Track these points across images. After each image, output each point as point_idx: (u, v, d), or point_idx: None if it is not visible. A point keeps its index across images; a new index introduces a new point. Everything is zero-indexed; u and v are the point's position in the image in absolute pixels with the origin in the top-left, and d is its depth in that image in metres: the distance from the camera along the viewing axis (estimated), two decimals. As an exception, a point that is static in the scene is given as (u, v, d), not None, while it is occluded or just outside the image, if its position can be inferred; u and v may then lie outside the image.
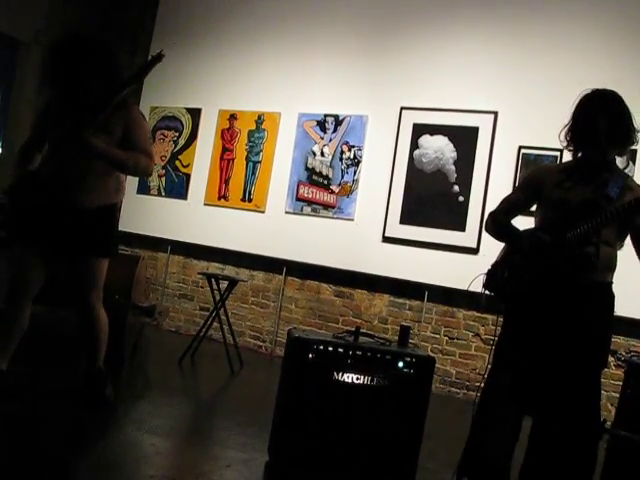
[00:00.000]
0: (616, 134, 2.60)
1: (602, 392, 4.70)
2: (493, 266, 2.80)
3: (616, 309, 4.90)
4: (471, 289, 2.86)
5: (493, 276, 2.77)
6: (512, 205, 2.91)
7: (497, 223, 2.89)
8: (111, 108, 3.12)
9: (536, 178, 2.87)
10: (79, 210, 3.21)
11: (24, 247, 3.25)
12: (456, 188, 5.24)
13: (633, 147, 2.72)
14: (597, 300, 2.65)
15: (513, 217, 2.89)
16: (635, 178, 4.54)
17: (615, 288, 4.84)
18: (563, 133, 2.73)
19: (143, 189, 6.63)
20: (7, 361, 3.22)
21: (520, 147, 5.04)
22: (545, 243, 2.60)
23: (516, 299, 2.72)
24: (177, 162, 6.52)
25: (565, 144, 2.75)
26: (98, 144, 3.11)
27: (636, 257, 4.90)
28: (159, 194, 6.59)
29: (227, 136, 6.34)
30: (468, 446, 2.77)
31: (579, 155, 2.72)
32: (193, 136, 6.51)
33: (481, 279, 2.79)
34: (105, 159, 3.17)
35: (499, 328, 2.81)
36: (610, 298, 2.69)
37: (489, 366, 2.80)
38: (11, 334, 3.21)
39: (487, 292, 2.79)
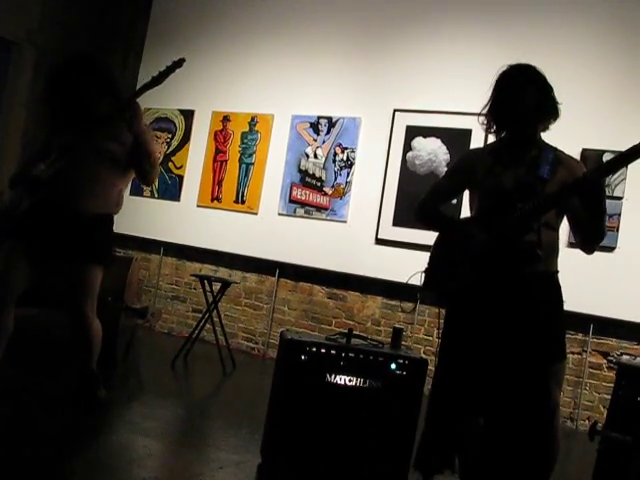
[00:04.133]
0: (544, 106, 2.53)
1: (594, 394, 4.77)
2: (430, 263, 2.71)
3: (608, 312, 4.92)
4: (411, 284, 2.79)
5: (432, 275, 2.68)
6: (441, 193, 2.81)
7: (426, 213, 2.80)
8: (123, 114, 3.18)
9: (465, 165, 2.74)
10: (78, 216, 3.20)
11: (11, 248, 3.22)
12: (449, 190, 5.24)
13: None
14: (542, 290, 2.53)
15: (442, 204, 2.80)
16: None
17: (609, 291, 4.85)
18: (482, 115, 2.63)
19: (136, 190, 6.61)
20: None
21: (513, 150, 5.05)
22: (480, 240, 2.51)
23: (458, 296, 2.62)
24: (170, 164, 6.52)
25: (486, 126, 2.64)
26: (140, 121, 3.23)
27: (628, 261, 4.92)
28: (152, 195, 6.58)
29: (220, 138, 6.33)
30: (421, 444, 2.76)
31: (503, 135, 2.63)
32: (186, 138, 6.51)
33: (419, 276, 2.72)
34: (144, 136, 3.22)
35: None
36: (556, 287, 2.58)
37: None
38: None
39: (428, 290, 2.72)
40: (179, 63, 3.16)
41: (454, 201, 5.10)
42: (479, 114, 2.68)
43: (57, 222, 3.17)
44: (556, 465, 2.56)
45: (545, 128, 2.62)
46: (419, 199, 2.83)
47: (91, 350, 3.33)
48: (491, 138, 2.79)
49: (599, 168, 2.38)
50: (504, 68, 2.62)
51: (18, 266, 3.18)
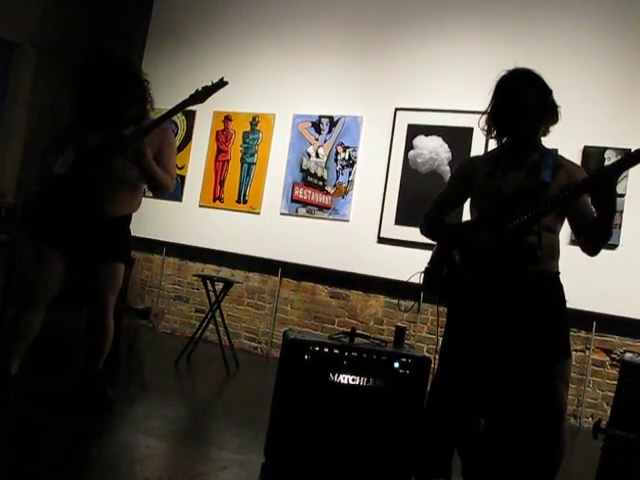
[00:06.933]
0: (544, 109, 2.53)
1: (597, 392, 4.76)
2: (430, 264, 2.72)
3: (610, 309, 4.91)
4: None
5: (432, 275, 2.68)
6: (444, 203, 2.82)
7: (431, 224, 2.82)
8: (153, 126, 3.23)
9: (466, 171, 2.76)
10: (107, 219, 3.28)
11: (45, 251, 3.24)
12: (451, 189, 5.24)
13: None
14: (544, 289, 2.54)
15: (447, 215, 2.82)
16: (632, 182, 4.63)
17: (611, 289, 4.83)
18: (483, 120, 2.63)
19: (138, 191, 6.62)
20: (18, 365, 3.23)
21: (514, 147, 5.05)
22: (481, 241, 2.52)
23: (458, 298, 2.63)
24: (172, 164, 6.51)
25: (487, 131, 2.64)
26: (148, 152, 3.23)
27: (630, 258, 4.90)
28: (154, 196, 6.57)
29: (222, 138, 6.33)
30: (418, 449, 2.78)
31: (504, 140, 2.63)
32: (188, 138, 6.50)
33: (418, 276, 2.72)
34: (147, 169, 3.26)
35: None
36: (557, 286, 2.58)
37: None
38: (26, 338, 3.22)
39: (427, 292, 2.73)
40: (221, 84, 3.23)
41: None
42: (480, 117, 2.67)
43: (86, 226, 3.24)
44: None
45: (545, 132, 2.63)
46: (423, 213, 2.85)
47: (103, 346, 3.39)
48: (491, 143, 2.78)
49: (613, 164, 2.33)
50: (503, 73, 2.60)
51: (53, 269, 3.21)
